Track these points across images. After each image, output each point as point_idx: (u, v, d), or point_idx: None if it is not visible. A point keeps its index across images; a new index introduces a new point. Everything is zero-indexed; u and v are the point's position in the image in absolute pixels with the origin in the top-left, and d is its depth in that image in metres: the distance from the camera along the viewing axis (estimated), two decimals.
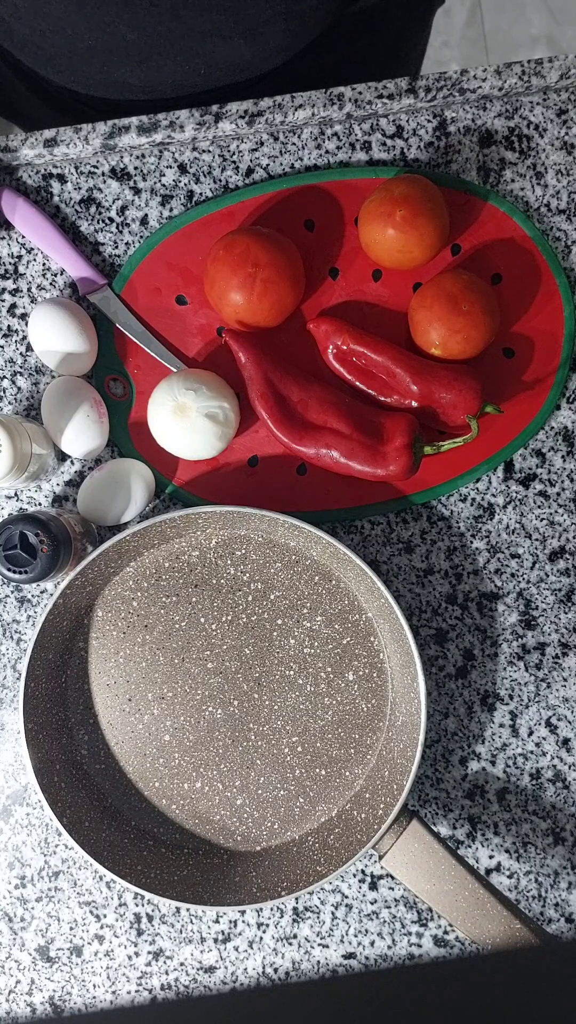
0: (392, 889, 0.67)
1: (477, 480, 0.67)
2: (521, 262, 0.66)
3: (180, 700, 0.66)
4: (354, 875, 0.68)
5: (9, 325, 0.68)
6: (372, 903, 0.67)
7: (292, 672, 0.66)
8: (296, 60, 0.69)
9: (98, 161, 0.67)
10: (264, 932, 0.68)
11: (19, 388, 0.68)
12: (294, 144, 0.67)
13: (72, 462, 0.68)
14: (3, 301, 0.68)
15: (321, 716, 0.66)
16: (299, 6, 0.60)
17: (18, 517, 0.60)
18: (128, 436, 0.67)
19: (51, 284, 0.68)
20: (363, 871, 0.67)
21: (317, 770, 0.66)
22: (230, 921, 0.68)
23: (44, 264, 0.68)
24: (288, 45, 0.64)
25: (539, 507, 0.67)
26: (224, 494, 0.67)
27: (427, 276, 0.66)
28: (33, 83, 0.76)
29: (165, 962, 0.68)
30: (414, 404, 0.64)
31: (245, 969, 0.68)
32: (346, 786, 0.66)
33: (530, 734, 0.67)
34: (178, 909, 0.68)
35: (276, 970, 0.68)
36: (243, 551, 0.66)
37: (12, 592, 0.68)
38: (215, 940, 0.68)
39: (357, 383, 0.65)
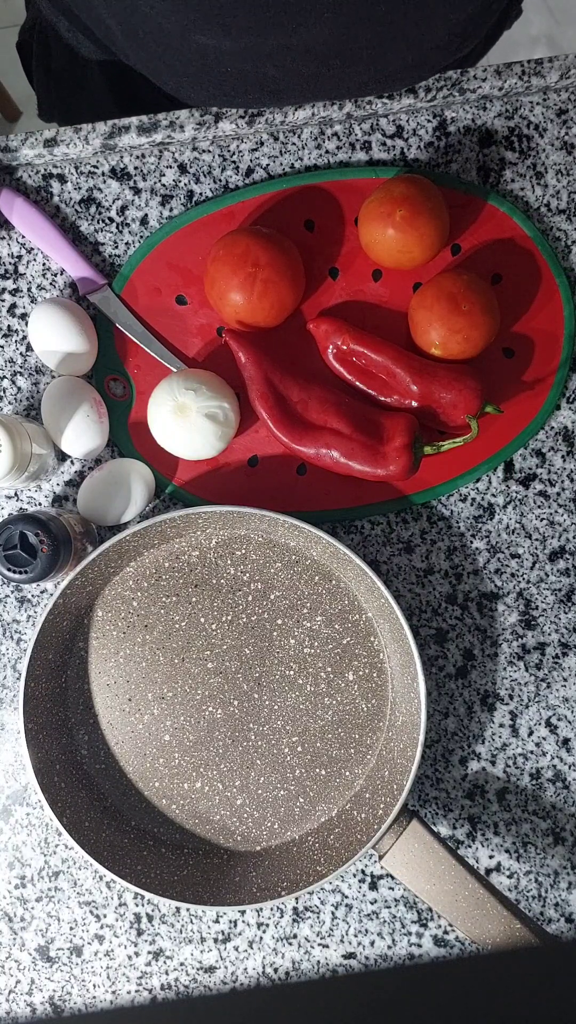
0: (392, 889, 0.67)
1: (477, 480, 0.67)
2: (521, 262, 0.66)
3: (180, 700, 0.66)
4: (354, 875, 0.68)
5: (9, 325, 0.68)
6: (372, 903, 0.67)
7: (292, 672, 0.66)
8: None
9: (98, 161, 0.67)
10: (264, 932, 0.68)
11: (19, 388, 0.68)
12: (294, 144, 0.67)
13: (72, 462, 0.68)
14: (3, 301, 0.68)
15: (321, 716, 0.66)
16: (433, 58, 0.62)
17: (18, 517, 0.60)
18: (128, 436, 0.67)
19: (51, 284, 0.68)
20: (363, 871, 0.67)
21: (317, 770, 0.66)
22: (230, 921, 0.68)
23: (44, 264, 0.68)
24: (408, 86, 0.66)
25: (539, 507, 0.67)
26: (224, 494, 0.67)
27: (427, 276, 0.66)
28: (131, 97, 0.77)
29: (165, 962, 0.68)
30: (414, 404, 0.64)
31: (245, 969, 0.68)
32: (346, 786, 0.66)
33: (530, 734, 0.67)
34: (178, 909, 0.68)
35: (276, 970, 0.68)
36: (243, 551, 0.66)
37: (12, 592, 0.68)
38: (215, 940, 0.68)
39: (357, 383, 0.65)
